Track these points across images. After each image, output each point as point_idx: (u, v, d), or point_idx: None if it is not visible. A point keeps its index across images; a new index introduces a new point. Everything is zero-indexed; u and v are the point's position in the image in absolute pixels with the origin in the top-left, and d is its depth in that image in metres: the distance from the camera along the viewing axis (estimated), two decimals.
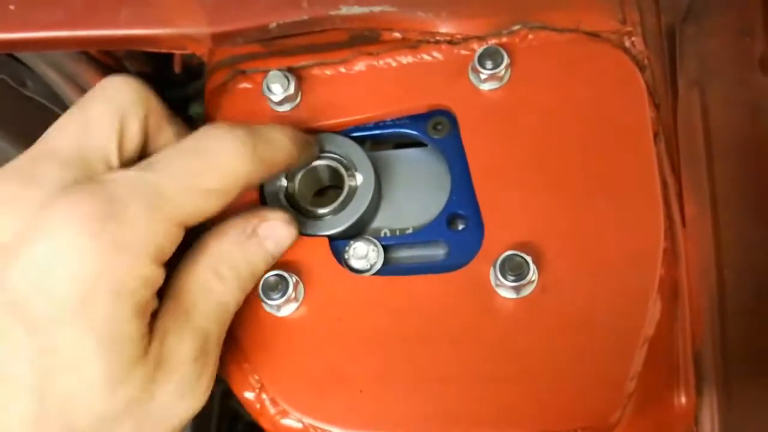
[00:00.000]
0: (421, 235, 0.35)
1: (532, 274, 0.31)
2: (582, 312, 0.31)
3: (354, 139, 0.36)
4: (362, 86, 0.37)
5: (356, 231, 0.35)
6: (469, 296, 0.32)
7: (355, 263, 0.34)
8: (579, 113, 0.34)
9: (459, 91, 0.36)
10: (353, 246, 0.34)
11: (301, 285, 0.33)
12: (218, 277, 0.30)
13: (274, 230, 0.32)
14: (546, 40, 0.35)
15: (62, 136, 0.30)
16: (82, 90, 0.42)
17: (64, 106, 0.43)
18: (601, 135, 0.34)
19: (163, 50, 0.37)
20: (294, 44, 0.38)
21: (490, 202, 0.34)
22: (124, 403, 0.27)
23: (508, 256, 0.31)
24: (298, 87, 0.36)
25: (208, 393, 0.30)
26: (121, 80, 0.31)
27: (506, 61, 0.34)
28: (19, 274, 0.26)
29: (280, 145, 0.31)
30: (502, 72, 0.35)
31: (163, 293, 0.29)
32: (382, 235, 0.36)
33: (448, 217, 0.35)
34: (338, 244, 0.35)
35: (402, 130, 0.37)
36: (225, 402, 0.48)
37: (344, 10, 0.36)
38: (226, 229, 0.31)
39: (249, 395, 0.33)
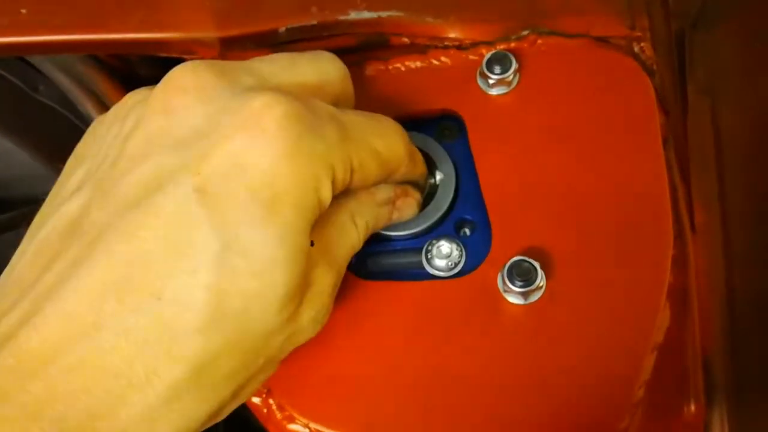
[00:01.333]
0: (429, 240, 0.35)
1: (540, 280, 0.31)
2: (591, 319, 0.31)
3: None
4: (371, 91, 0.37)
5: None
6: (477, 302, 0.32)
7: (439, 263, 0.33)
8: (587, 118, 0.34)
9: (467, 96, 0.36)
10: (437, 245, 0.34)
11: None
12: (353, 223, 0.31)
13: (407, 208, 0.34)
14: (555, 46, 0.35)
15: (264, 63, 0.29)
16: (94, 95, 0.42)
17: (75, 111, 0.44)
18: (610, 140, 0.34)
19: (174, 55, 0.37)
20: (302, 49, 0.38)
21: (497, 208, 0.34)
22: (287, 318, 0.26)
23: (516, 261, 0.31)
24: None
25: (320, 329, 0.30)
26: (332, 56, 0.32)
27: (514, 66, 0.34)
28: (214, 164, 0.24)
29: (421, 161, 0.34)
30: (511, 77, 0.35)
31: None
32: (391, 238, 0.36)
33: (456, 222, 0.35)
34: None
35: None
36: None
37: (353, 15, 0.36)
38: (377, 186, 0.32)
39: (256, 400, 0.33)
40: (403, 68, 0.37)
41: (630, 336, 0.31)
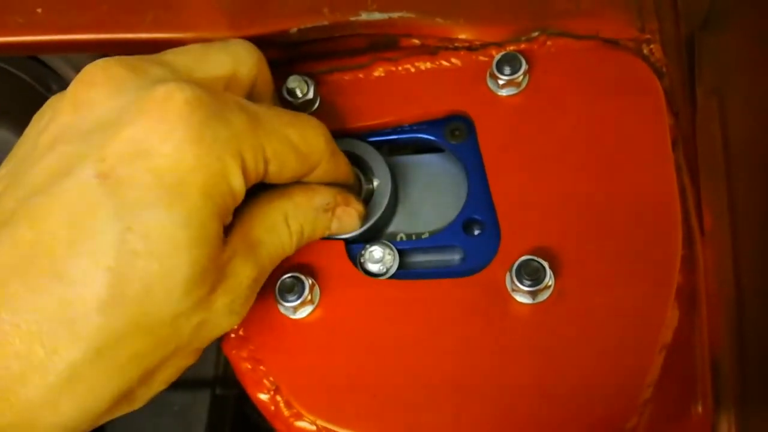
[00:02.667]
0: (437, 240, 0.35)
1: (549, 279, 0.31)
2: (599, 318, 0.31)
3: (371, 143, 0.37)
4: (381, 92, 0.37)
5: (372, 235, 0.36)
6: (485, 301, 0.32)
7: (371, 267, 0.34)
8: (597, 120, 0.35)
9: (477, 97, 0.36)
10: (369, 250, 0.34)
11: (317, 287, 0.33)
12: (286, 224, 0.31)
13: (348, 218, 0.33)
14: (564, 47, 0.36)
15: (177, 55, 0.30)
16: None
17: None
18: (620, 142, 0.34)
19: None
20: (314, 50, 0.38)
21: (507, 208, 0.34)
22: (194, 303, 0.26)
23: (525, 261, 0.31)
24: (317, 92, 0.37)
25: (239, 321, 0.30)
26: (244, 41, 0.32)
27: (524, 67, 0.34)
28: (117, 150, 0.25)
29: (345, 161, 0.33)
30: (520, 78, 0.35)
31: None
32: (398, 239, 0.36)
33: (465, 222, 0.35)
34: (354, 247, 0.35)
35: (420, 135, 0.37)
36: (240, 407, 0.48)
37: (364, 16, 0.36)
38: (314, 190, 0.32)
39: (263, 397, 0.33)
40: (413, 69, 0.37)
41: (638, 336, 0.31)
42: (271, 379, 0.33)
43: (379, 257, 0.34)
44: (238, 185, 0.27)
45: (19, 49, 0.38)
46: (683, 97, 0.36)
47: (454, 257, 0.35)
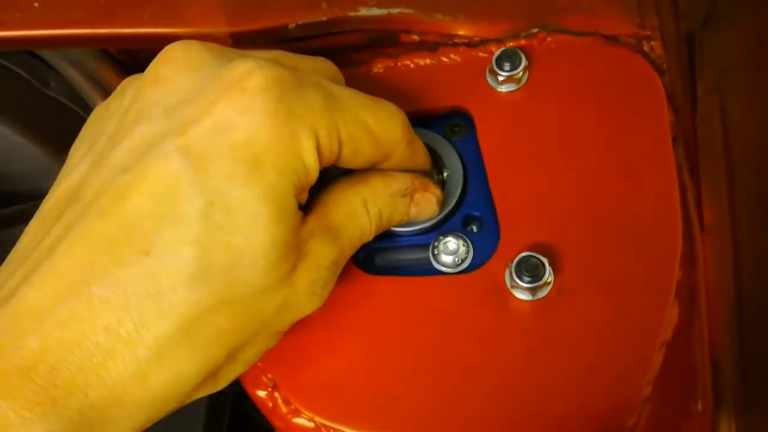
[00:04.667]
0: (436, 237, 0.35)
1: (548, 276, 0.31)
2: (599, 315, 0.31)
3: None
4: (380, 88, 0.37)
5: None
6: (484, 298, 0.32)
7: (445, 259, 0.33)
8: (597, 116, 0.34)
9: (476, 93, 0.36)
10: (443, 241, 0.34)
11: None
12: (365, 209, 0.31)
13: (426, 204, 0.33)
14: (564, 44, 0.36)
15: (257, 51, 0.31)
16: (104, 90, 0.42)
17: (85, 107, 0.44)
18: (619, 138, 0.34)
19: None
20: (313, 45, 0.38)
21: (506, 204, 0.34)
22: (278, 280, 0.26)
23: (524, 257, 0.31)
24: None
25: (320, 304, 0.30)
26: (326, 59, 0.33)
27: (524, 63, 0.34)
28: (197, 124, 0.25)
29: (423, 150, 0.33)
30: (520, 74, 0.35)
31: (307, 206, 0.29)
32: (399, 234, 0.36)
33: (463, 218, 0.35)
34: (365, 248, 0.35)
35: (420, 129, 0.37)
36: (237, 405, 0.48)
37: (363, 12, 0.36)
38: (393, 176, 0.32)
39: (261, 393, 0.33)
40: (412, 65, 0.37)
41: (638, 333, 0.31)
42: (269, 375, 0.33)
43: (453, 249, 0.33)
44: (312, 163, 0.27)
45: (16, 44, 0.37)
46: (684, 94, 0.36)
47: None
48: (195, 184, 0.25)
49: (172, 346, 0.24)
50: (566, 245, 0.32)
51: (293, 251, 0.27)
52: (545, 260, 0.31)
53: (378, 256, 0.35)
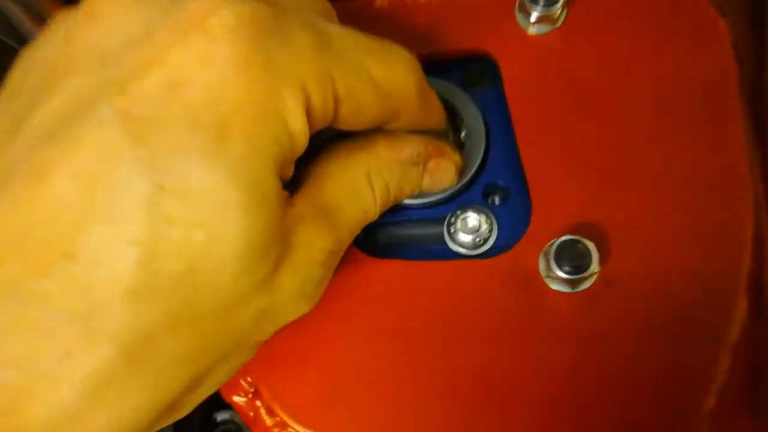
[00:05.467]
0: (451, 210, 0.29)
1: (595, 265, 0.25)
2: (654, 311, 0.25)
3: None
4: (382, 26, 0.30)
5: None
6: (513, 289, 0.26)
7: (464, 238, 0.27)
8: (649, 66, 0.28)
9: (503, 35, 0.29)
10: (461, 216, 0.27)
11: None
12: (368, 183, 0.24)
13: (443, 173, 0.27)
14: None
15: None
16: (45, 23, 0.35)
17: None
18: (677, 93, 0.28)
19: None
20: None
21: (539, 172, 0.28)
22: (254, 286, 0.20)
23: (566, 242, 0.25)
24: None
25: (312, 307, 0.24)
26: None
27: None
28: (143, 80, 0.19)
29: (438, 105, 0.26)
30: (558, 12, 0.28)
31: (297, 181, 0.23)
32: (407, 207, 0.30)
33: (485, 188, 0.29)
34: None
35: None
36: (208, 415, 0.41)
37: None
38: (403, 140, 0.25)
39: (239, 400, 0.27)
40: None
41: (703, 333, 0.25)
42: (249, 379, 0.27)
43: (474, 226, 0.27)
44: (300, 128, 0.20)
45: None
46: (749, 41, 0.30)
47: None
48: (138, 162, 0.18)
49: (110, 381, 0.18)
50: (614, 224, 0.26)
51: (275, 246, 0.20)
52: (591, 245, 0.25)
53: (382, 232, 0.29)
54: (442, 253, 0.28)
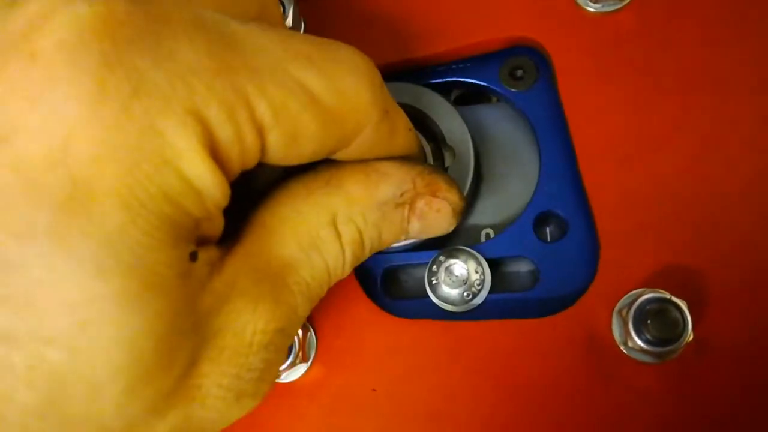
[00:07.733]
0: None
1: (688, 333, 0.19)
2: (762, 386, 0.20)
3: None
4: (410, 14, 0.24)
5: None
6: (576, 359, 0.20)
7: (449, 293, 0.22)
8: (737, 56, 0.22)
9: (554, 17, 0.23)
10: (445, 264, 0.22)
11: (312, 335, 0.22)
12: (335, 233, 0.19)
13: (435, 214, 0.20)
14: None
15: None
16: None
17: None
18: None
19: None
20: None
21: (606, 196, 0.21)
22: (149, 406, 0.15)
23: (649, 300, 0.19)
24: (299, 14, 0.23)
25: (256, 404, 0.18)
26: None
27: None
28: None
29: (405, 124, 0.20)
30: None
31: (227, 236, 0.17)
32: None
33: (536, 218, 0.23)
34: (374, 266, 0.23)
35: (463, 79, 0.24)
36: None
37: None
38: (381, 172, 0.19)
39: None
40: None
41: None
42: None
43: (461, 276, 0.22)
44: (203, 174, 0.15)
45: None
46: None
47: (521, 273, 0.23)
48: None
49: None
50: (712, 274, 0.20)
51: (184, 343, 0.15)
52: (684, 306, 0.19)
53: (403, 273, 0.23)
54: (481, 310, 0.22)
